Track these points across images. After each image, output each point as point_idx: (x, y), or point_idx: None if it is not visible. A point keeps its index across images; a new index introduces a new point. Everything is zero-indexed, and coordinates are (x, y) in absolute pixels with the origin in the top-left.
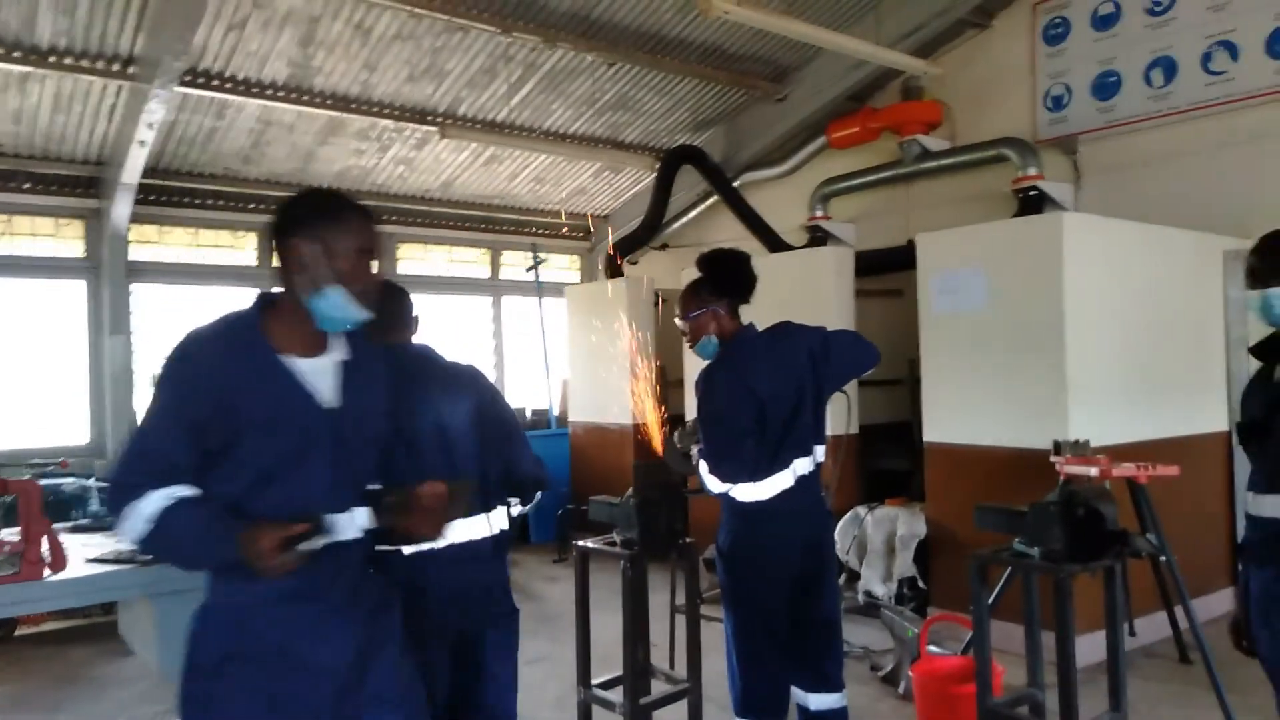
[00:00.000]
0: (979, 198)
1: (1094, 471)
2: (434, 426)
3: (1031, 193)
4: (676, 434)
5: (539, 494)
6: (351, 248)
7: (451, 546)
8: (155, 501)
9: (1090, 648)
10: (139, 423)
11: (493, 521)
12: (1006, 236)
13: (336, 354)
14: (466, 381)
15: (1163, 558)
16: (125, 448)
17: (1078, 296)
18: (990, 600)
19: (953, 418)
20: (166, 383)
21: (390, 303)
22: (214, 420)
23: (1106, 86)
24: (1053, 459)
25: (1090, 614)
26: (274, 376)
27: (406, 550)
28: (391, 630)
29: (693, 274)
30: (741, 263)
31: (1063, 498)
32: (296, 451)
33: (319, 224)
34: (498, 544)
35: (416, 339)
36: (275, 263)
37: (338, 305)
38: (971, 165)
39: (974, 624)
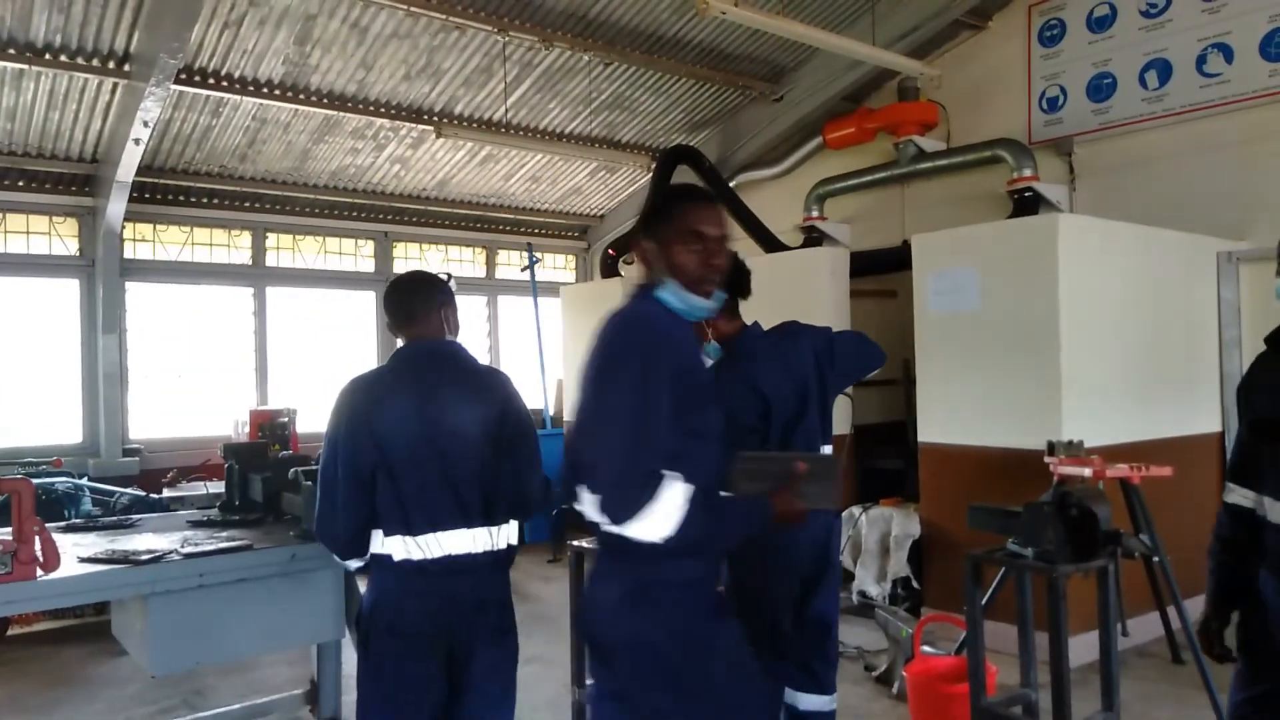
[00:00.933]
0: (974, 199)
1: (1088, 472)
2: (444, 431)
3: (1026, 194)
4: None
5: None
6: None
7: (444, 558)
8: (682, 488)
9: (1083, 648)
10: (621, 416)
11: (495, 536)
12: (1001, 237)
13: None
14: (495, 386)
15: (1156, 558)
16: (626, 439)
17: (1072, 298)
18: (984, 600)
19: (947, 418)
20: (645, 371)
21: (421, 292)
22: (690, 394)
23: (1101, 88)
24: (1047, 459)
25: (1083, 614)
26: (700, 354)
27: (396, 556)
28: None
29: None
30: (737, 262)
31: (1056, 498)
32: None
33: (698, 223)
34: (497, 560)
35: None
36: (643, 257)
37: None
38: (967, 166)
39: (968, 624)
